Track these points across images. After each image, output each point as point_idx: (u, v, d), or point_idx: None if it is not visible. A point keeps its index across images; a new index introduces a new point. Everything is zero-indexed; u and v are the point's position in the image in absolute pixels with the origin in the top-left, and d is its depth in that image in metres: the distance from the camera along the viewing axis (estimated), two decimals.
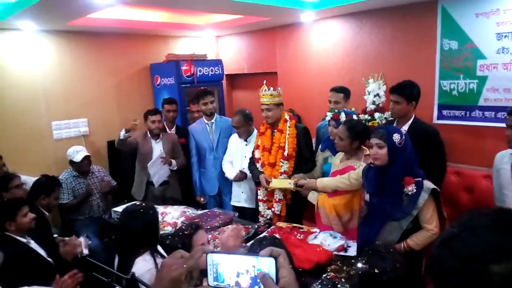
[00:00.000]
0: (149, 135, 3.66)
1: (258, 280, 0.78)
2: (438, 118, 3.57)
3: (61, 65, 4.23)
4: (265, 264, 0.78)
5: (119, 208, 3.21)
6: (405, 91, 2.80)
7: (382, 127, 2.47)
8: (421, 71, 3.56)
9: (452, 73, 3.44)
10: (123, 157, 4.22)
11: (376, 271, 1.28)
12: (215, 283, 0.81)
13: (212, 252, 0.83)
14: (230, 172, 3.43)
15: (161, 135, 3.68)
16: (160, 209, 3.01)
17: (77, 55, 4.33)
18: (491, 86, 3.26)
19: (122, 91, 4.73)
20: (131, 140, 3.54)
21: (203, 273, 0.82)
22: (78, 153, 3.71)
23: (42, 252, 2.47)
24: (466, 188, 3.29)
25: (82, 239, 2.70)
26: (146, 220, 2.08)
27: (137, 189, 3.69)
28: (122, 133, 3.44)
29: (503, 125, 3.17)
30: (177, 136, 3.85)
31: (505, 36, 3.14)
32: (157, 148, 3.64)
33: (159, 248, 2.19)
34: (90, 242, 2.98)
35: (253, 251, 1.64)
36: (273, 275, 0.77)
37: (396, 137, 2.13)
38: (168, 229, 2.85)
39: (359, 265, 1.46)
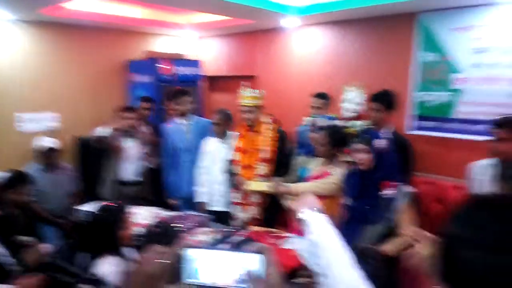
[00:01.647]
0: (122, 132, 3.53)
1: (245, 277, 0.74)
2: (413, 129, 3.63)
3: (33, 57, 4.05)
4: (252, 260, 0.74)
5: (83, 207, 3.08)
6: (385, 100, 2.84)
7: (368, 133, 2.49)
8: (398, 82, 3.62)
9: (428, 85, 3.52)
10: (91, 155, 4.05)
11: None
12: (190, 280, 0.76)
13: (191, 247, 0.77)
14: (200, 191, 3.42)
15: (135, 133, 3.56)
16: (130, 209, 2.90)
17: (51, 47, 4.16)
18: (465, 100, 3.35)
19: (96, 86, 4.57)
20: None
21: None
22: (44, 141, 3.52)
23: None
24: (437, 198, 3.35)
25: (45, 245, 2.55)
26: (116, 220, 1.98)
27: (106, 188, 3.54)
28: (108, 131, 3.37)
29: (477, 137, 3.30)
30: (153, 134, 3.74)
31: (481, 51, 3.25)
32: (131, 145, 3.52)
33: (127, 250, 2.09)
34: (49, 247, 2.84)
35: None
36: (261, 272, 0.73)
37: (381, 142, 2.16)
38: (138, 230, 2.74)
39: None
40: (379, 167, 2.15)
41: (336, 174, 2.50)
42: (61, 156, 3.67)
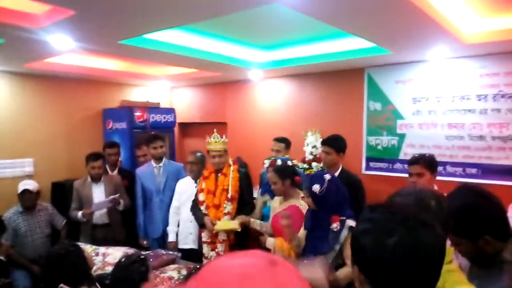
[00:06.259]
0: (89, 180, 3.71)
1: None
2: (366, 169, 4.01)
3: (13, 105, 4.27)
4: None
5: None
6: (335, 144, 3.17)
7: (311, 176, 2.78)
8: (352, 128, 4.05)
9: (377, 130, 3.96)
10: (67, 200, 4.17)
11: None
12: None
13: None
14: (171, 231, 3.60)
15: (102, 178, 3.74)
16: (101, 250, 3.03)
17: (31, 96, 4.40)
18: (409, 142, 3.78)
19: (73, 134, 4.79)
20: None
21: None
22: (23, 185, 3.66)
23: None
24: None
25: None
26: (73, 260, 2.01)
27: (83, 234, 3.68)
28: (80, 217, 3.59)
29: None
30: (120, 177, 3.93)
31: (419, 101, 3.73)
32: (98, 191, 3.69)
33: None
34: None
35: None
36: None
37: (315, 187, 2.40)
38: (109, 269, 2.86)
39: None
40: (320, 207, 2.43)
41: (303, 206, 2.74)
42: (38, 198, 3.80)
